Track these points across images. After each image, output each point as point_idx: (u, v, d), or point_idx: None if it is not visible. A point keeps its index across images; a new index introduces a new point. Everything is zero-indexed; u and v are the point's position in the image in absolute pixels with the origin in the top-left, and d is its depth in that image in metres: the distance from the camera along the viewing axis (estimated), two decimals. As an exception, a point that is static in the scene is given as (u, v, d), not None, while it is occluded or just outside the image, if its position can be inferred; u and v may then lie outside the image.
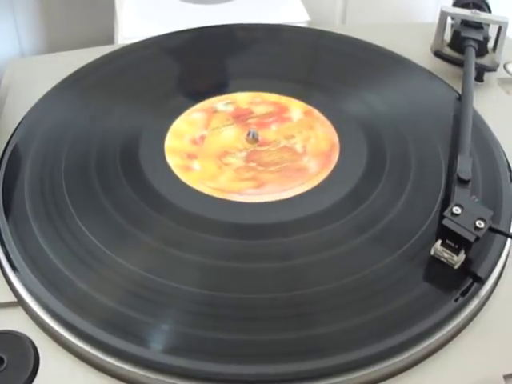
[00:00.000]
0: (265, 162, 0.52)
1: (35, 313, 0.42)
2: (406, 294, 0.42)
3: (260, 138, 0.54)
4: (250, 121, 0.56)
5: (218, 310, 0.42)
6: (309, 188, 0.50)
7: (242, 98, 0.59)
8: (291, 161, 0.53)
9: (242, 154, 0.53)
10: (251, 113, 0.57)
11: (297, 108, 0.58)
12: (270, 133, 0.55)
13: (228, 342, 0.40)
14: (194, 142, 0.54)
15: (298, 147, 0.54)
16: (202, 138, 0.54)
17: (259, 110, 0.57)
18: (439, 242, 0.44)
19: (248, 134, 0.54)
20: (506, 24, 0.62)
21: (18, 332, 0.41)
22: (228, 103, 0.58)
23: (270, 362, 0.39)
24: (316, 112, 0.57)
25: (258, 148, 0.54)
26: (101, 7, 0.83)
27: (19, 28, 0.84)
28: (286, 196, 0.49)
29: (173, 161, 0.52)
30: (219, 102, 0.58)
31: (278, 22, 0.72)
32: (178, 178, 0.51)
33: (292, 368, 0.39)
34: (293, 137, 0.55)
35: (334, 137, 0.55)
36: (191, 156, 0.53)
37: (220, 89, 0.60)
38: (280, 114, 0.57)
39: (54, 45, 0.85)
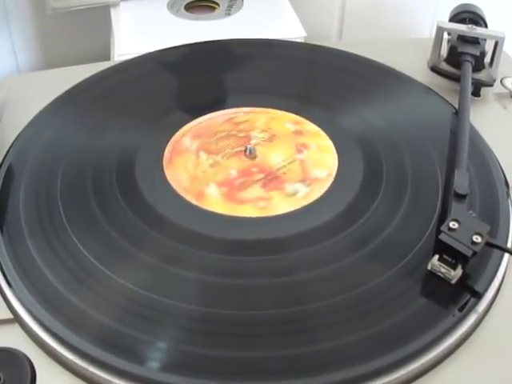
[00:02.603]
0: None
1: (32, 330, 0.42)
2: (403, 309, 0.42)
3: (257, 153, 0.54)
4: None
5: (216, 327, 0.42)
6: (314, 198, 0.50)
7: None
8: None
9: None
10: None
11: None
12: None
13: (227, 359, 0.40)
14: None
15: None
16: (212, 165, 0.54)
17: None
18: (436, 256, 0.44)
19: (245, 151, 0.54)
20: (503, 39, 0.63)
21: (14, 349, 0.41)
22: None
23: (268, 379, 0.39)
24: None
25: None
26: (97, 23, 0.83)
27: (15, 44, 0.84)
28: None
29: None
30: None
31: (275, 38, 0.72)
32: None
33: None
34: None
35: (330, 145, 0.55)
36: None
37: (216, 104, 0.60)
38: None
39: (50, 61, 0.85)
